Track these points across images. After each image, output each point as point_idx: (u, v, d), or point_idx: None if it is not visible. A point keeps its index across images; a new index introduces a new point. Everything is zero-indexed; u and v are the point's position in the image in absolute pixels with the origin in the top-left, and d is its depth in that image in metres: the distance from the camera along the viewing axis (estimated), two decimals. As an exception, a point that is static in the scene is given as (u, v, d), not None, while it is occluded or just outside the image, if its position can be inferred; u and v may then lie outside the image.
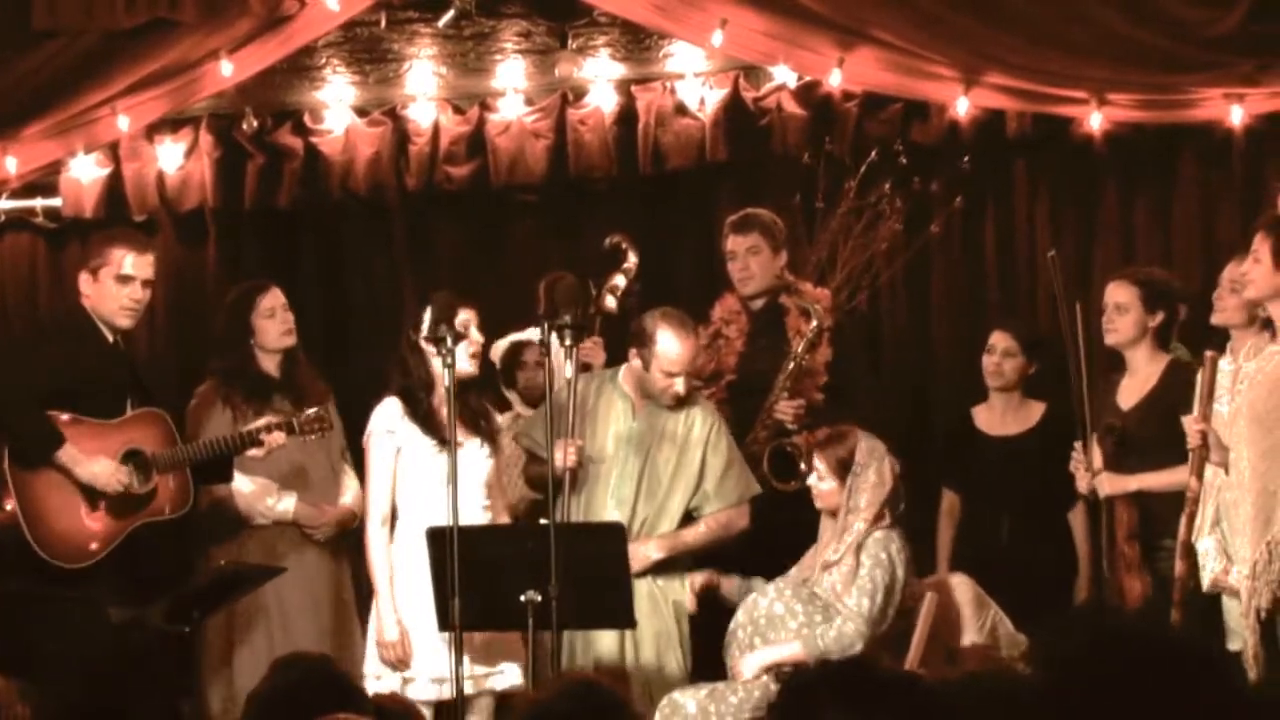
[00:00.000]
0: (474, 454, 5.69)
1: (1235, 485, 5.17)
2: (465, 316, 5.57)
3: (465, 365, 5.55)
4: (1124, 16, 6.39)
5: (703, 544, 5.85)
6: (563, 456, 5.51)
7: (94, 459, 5.64)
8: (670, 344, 5.75)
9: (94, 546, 5.66)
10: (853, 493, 5.60)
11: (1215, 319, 5.66)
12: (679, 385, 5.77)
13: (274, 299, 6.24)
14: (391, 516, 5.68)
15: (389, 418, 5.64)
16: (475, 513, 5.63)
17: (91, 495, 5.66)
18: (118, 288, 5.81)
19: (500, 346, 6.69)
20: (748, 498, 5.89)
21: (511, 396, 6.72)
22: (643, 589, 5.70)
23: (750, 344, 6.40)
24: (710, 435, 5.84)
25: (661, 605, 5.77)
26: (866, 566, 5.55)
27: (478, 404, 5.78)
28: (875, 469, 5.61)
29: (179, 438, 5.84)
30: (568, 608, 5.09)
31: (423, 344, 5.60)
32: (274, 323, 6.21)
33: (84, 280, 5.86)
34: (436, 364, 5.53)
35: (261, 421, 5.88)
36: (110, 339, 5.85)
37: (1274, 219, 5.36)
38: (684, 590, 5.83)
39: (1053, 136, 7.01)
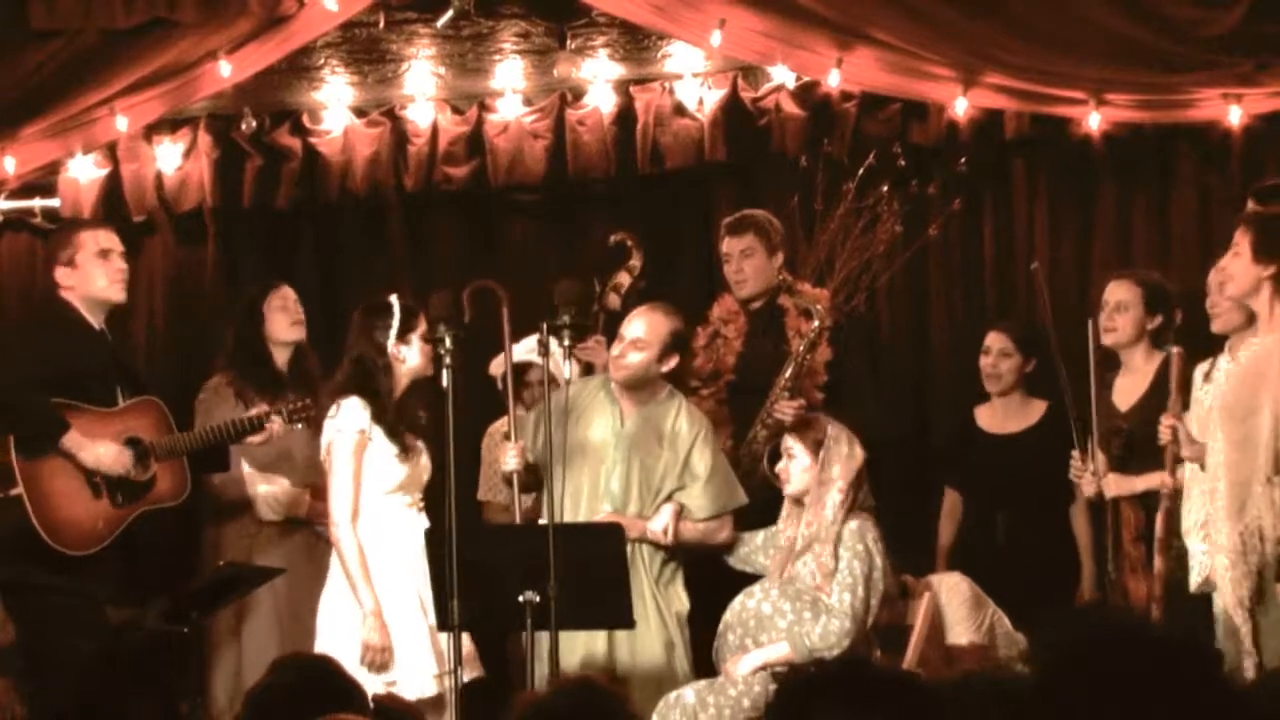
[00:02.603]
0: (423, 457, 5.77)
1: (1210, 477, 5.18)
2: (424, 325, 5.67)
3: (428, 371, 5.71)
4: (1122, 16, 6.39)
5: (684, 541, 5.84)
6: (515, 459, 5.53)
7: (98, 443, 5.68)
8: (631, 315, 5.86)
9: (99, 533, 5.71)
10: (826, 465, 5.66)
11: (1216, 327, 5.64)
12: (615, 349, 5.79)
13: (286, 293, 6.45)
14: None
15: (359, 418, 5.65)
16: (421, 515, 5.73)
17: (95, 483, 5.70)
18: (101, 264, 5.86)
19: (497, 368, 6.67)
20: (729, 510, 5.87)
21: (520, 412, 6.71)
22: (647, 602, 5.73)
23: (749, 344, 6.41)
24: (697, 440, 5.83)
25: (666, 616, 5.78)
26: (845, 559, 5.59)
27: (411, 403, 5.81)
28: (845, 442, 5.71)
29: (175, 426, 5.89)
30: (566, 608, 5.10)
31: (390, 349, 5.68)
32: (285, 314, 6.37)
33: (61, 274, 5.88)
34: (398, 369, 5.69)
35: (255, 410, 5.92)
36: (97, 328, 5.87)
37: (1253, 214, 5.37)
38: (684, 601, 5.84)
39: (1051, 137, 7.01)
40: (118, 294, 5.90)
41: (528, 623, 5.09)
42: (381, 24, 7.02)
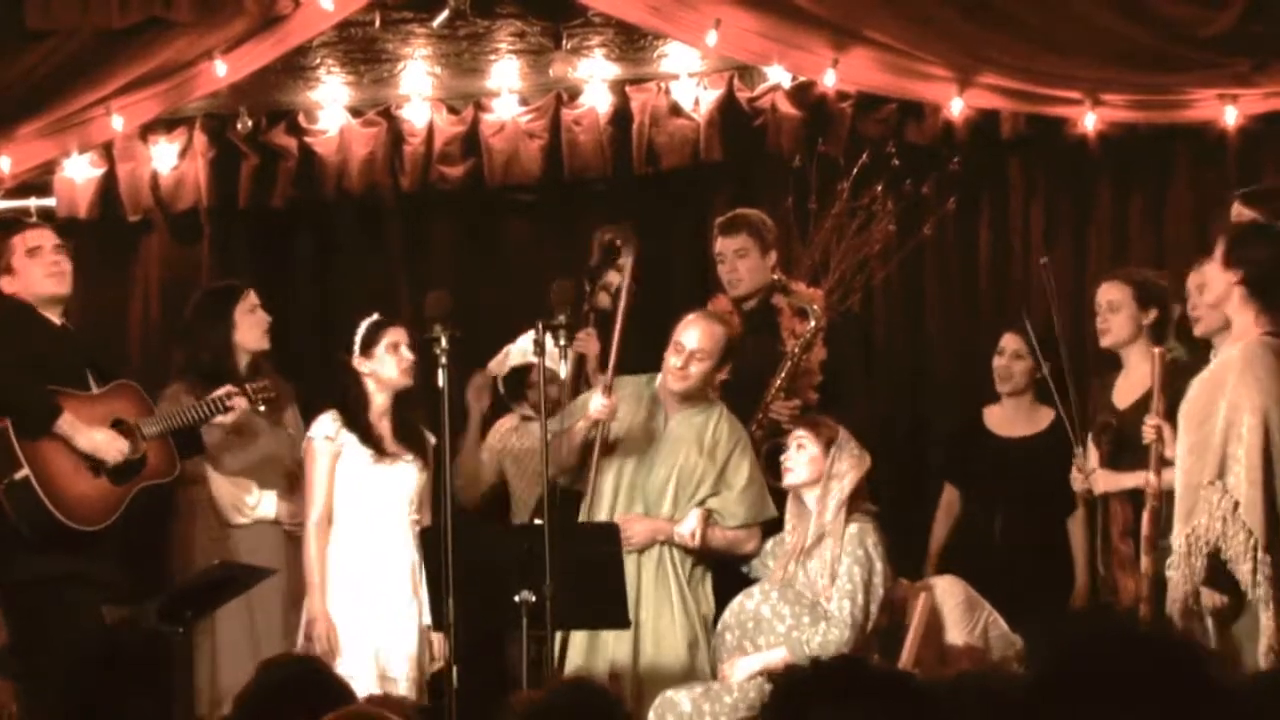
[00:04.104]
0: (407, 468, 5.88)
1: (1176, 481, 5.22)
2: (395, 337, 5.85)
3: (404, 380, 5.86)
4: (1118, 16, 6.39)
5: (711, 549, 5.88)
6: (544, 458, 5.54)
7: (93, 428, 5.75)
8: (686, 323, 5.86)
9: (107, 508, 5.78)
10: (834, 461, 5.68)
11: (1198, 331, 5.67)
12: (674, 360, 5.81)
13: (254, 299, 6.35)
14: (329, 521, 5.86)
15: (328, 427, 5.85)
16: (406, 524, 5.84)
17: (93, 461, 5.76)
18: (33, 261, 5.92)
19: (501, 368, 6.66)
20: (758, 521, 5.90)
21: (525, 410, 6.74)
22: (674, 602, 5.78)
23: (743, 343, 6.39)
24: (735, 450, 5.87)
25: (692, 617, 5.81)
26: (845, 564, 5.58)
27: (411, 419, 5.95)
28: (855, 446, 5.74)
29: (154, 407, 5.96)
30: (563, 608, 5.10)
31: (355, 363, 5.85)
32: (253, 319, 6.31)
33: (5, 282, 5.95)
34: (370, 383, 5.86)
35: (222, 390, 5.98)
36: (57, 323, 5.93)
37: (1228, 222, 5.40)
38: (710, 603, 5.88)
39: (1047, 137, 7.01)
40: (57, 286, 5.95)
41: (523, 623, 5.11)
42: (377, 24, 7.01)
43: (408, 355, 5.83)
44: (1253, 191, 5.83)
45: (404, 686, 5.71)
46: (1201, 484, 5.02)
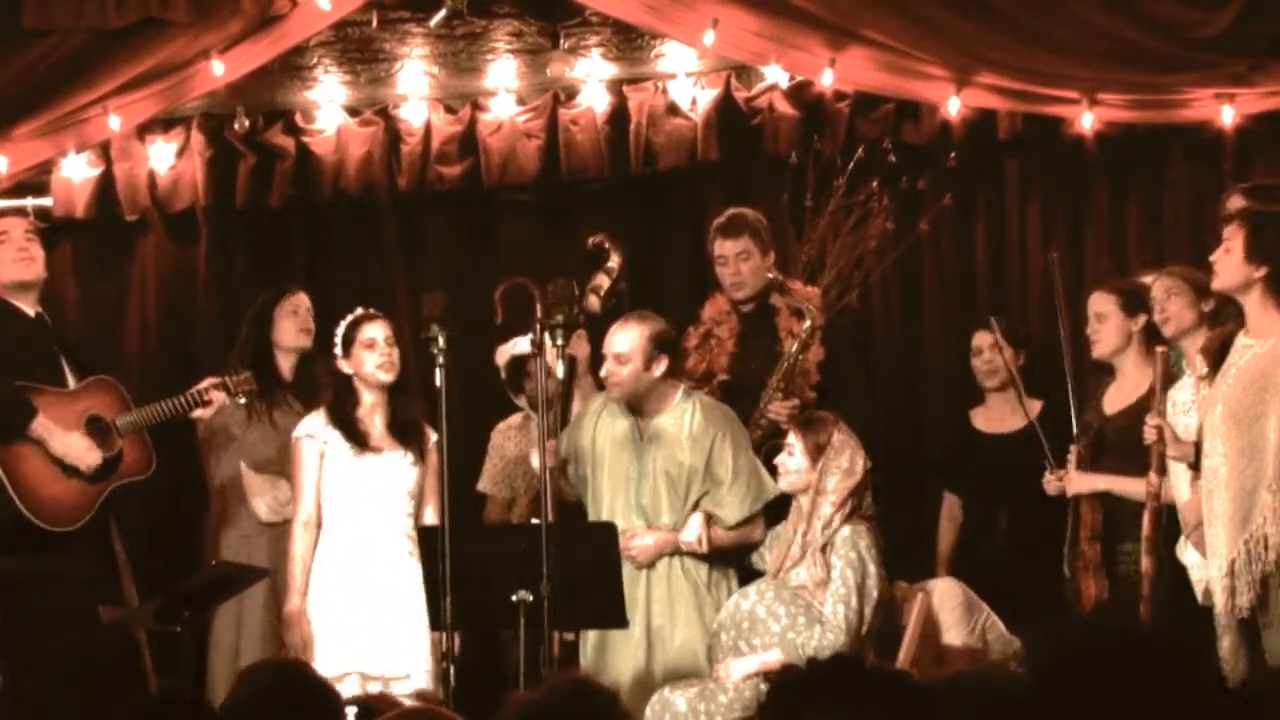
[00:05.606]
0: (396, 463, 5.87)
1: (1208, 482, 5.14)
2: (370, 333, 5.84)
3: (380, 375, 5.85)
4: (1115, 16, 6.41)
5: (721, 548, 5.87)
6: (543, 459, 5.54)
7: (67, 433, 5.75)
8: (612, 330, 5.86)
9: (80, 509, 5.78)
10: (823, 474, 5.64)
11: (1168, 331, 5.65)
12: (603, 370, 5.82)
13: (298, 300, 6.52)
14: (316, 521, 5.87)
15: (310, 425, 5.89)
16: (398, 520, 5.83)
17: (65, 463, 5.76)
18: (2, 248, 5.90)
19: (502, 357, 6.68)
20: (757, 509, 5.86)
21: (520, 402, 6.75)
22: (690, 606, 5.77)
23: (741, 344, 6.39)
24: (715, 443, 5.81)
25: (711, 619, 5.78)
26: (838, 568, 5.56)
27: (407, 413, 5.94)
28: (848, 456, 5.67)
29: (131, 403, 5.96)
30: (559, 607, 5.10)
31: (339, 364, 5.88)
32: (295, 320, 6.44)
33: None
34: (357, 381, 5.86)
35: (205, 383, 6.02)
36: (31, 314, 5.92)
37: (1249, 211, 5.32)
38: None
39: (1044, 136, 7.01)
40: (24, 273, 5.93)
41: (520, 622, 5.12)
42: (374, 23, 7.02)
43: (385, 350, 5.83)
44: (1261, 188, 5.77)
45: (424, 680, 5.69)
46: (1258, 487, 4.94)
